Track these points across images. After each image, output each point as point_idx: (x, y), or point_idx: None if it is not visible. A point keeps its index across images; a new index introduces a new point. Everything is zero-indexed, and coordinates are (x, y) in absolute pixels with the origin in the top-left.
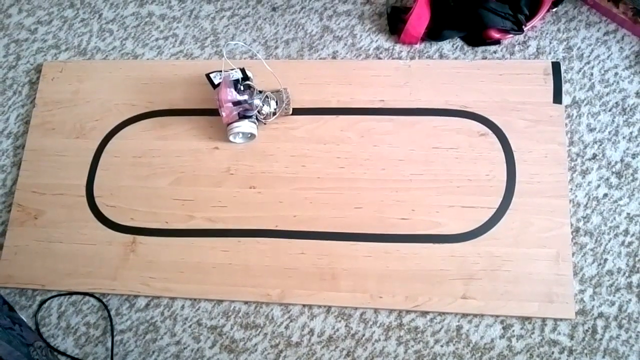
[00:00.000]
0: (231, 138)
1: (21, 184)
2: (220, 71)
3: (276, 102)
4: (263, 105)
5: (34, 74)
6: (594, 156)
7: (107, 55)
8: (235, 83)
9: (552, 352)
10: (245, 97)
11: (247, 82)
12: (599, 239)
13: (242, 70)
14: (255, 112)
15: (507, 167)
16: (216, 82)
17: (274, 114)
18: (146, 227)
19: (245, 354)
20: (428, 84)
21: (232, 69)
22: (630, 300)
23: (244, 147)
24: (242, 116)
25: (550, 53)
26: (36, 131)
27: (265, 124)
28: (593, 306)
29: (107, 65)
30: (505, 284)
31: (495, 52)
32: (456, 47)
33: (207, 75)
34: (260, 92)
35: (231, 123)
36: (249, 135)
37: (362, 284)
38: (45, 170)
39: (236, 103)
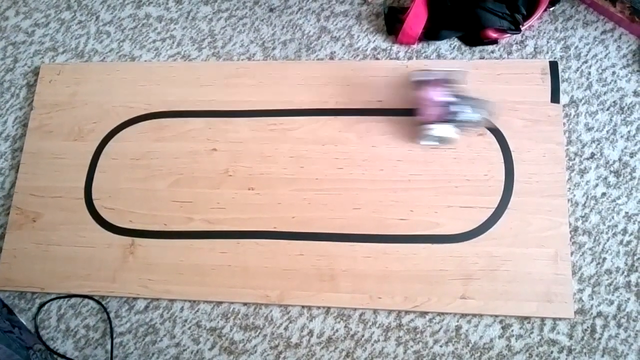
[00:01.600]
0: (421, 138)
1: (19, 187)
2: (427, 71)
3: (479, 111)
4: (466, 111)
5: (31, 77)
6: (592, 155)
7: (104, 58)
8: (442, 82)
9: (551, 352)
10: (454, 99)
11: (453, 85)
12: (597, 238)
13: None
14: (457, 116)
15: (505, 167)
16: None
17: (476, 123)
18: (145, 229)
19: (245, 355)
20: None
21: (439, 70)
22: (629, 299)
23: (242, 149)
24: (445, 120)
25: (547, 52)
26: (34, 134)
27: (462, 130)
28: (592, 305)
29: (105, 68)
30: (504, 283)
31: (492, 51)
32: (454, 47)
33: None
34: (467, 98)
35: (431, 124)
36: (447, 139)
37: (361, 285)
38: (44, 173)
39: (441, 104)
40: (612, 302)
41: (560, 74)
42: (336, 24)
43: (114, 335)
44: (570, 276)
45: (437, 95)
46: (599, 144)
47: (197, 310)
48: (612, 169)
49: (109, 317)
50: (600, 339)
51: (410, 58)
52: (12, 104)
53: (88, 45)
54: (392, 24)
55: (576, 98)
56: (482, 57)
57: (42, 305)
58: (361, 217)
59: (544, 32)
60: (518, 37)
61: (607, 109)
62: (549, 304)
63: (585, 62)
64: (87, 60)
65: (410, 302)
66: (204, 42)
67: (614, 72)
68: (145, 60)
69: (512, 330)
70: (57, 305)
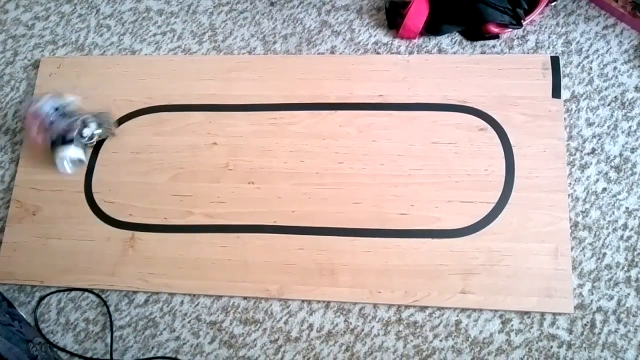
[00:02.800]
0: (60, 166)
1: (19, 180)
2: (35, 99)
3: (98, 124)
4: (83, 128)
5: (31, 70)
6: (593, 150)
7: (104, 51)
8: (48, 108)
9: (551, 347)
10: (61, 120)
11: (66, 108)
12: (597, 233)
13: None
14: (75, 135)
15: (506, 162)
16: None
17: (93, 136)
18: (145, 223)
19: (245, 349)
20: (427, 78)
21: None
22: (629, 294)
23: (242, 143)
24: (65, 141)
25: (549, 47)
26: None
27: (89, 146)
28: (592, 300)
29: (105, 61)
30: (504, 278)
31: (494, 46)
32: (455, 42)
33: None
34: (79, 116)
35: (55, 148)
36: (78, 161)
37: (361, 279)
38: (44, 167)
39: (46, 128)
40: (612, 297)
41: (562, 69)
42: (337, 18)
43: (114, 329)
44: (570, 271)
45: (45, 120)
46: (599, 139)
47: (197, 304)
48: (612, 164)
49: (108, 311)
50: (600, 334)
51: (411, 52)
52: (12, 97)
53: (88, 38)
54: (393, 18)
55: (577, 93)
56: (483, 52)
57: (41, 298)
58: (361, 211)
59: (546, 27)
60: (519, 31)
61: (608, 104)
62: (549, 299)
63: (587, 57)
64: (88, 54)
65: (410, 297)
66: (204, 36)
67: (615, 68)
68: (146, 54)
69: (512, 325)
70: (57, 299)
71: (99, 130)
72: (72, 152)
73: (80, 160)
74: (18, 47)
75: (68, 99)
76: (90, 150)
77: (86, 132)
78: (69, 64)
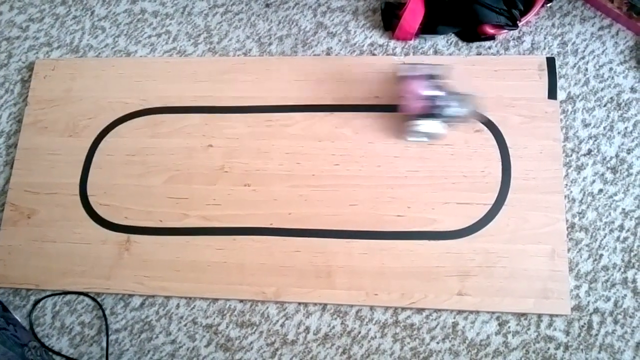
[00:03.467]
0: (410, 134)
1: (14, 183)
2: (413, 65)
3: (463, 103)
4: (447, 105)
5: (26, 72)
6: (589, 152)
7: (99, 53)
8: (428, 77)
9: (548, 348)
10: (439, 93)
11: (439, 80)
12: (594, 234)
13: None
14: (442, 111)
15: (502, 163)
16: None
17: (461, 117)
18: (140, 225)
19: (241, 352)
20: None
21: (424, 65)
22: (625, 295)
23: (238, 145)
24: (431, 114)
25: (545, 48)
26: (29, 130)
27: (449, 124)
28: (589, 302)
29: (100, 63)
30: (500, 280)
31: (489, 47)
32: (451, 43)
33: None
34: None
35: (418, 119)
36: (429, 136)
37: (357, 282)
38: (38, 169)
39: (426, 98)
40: (608, 299)
41: (558, 70)
42: (333, 20)
43: (110, 332)
44: (567, 273)
45: (422, 89)
46: (596, 141)
47: (193, 307)
48: (609, 165)
49: (104, 314)
50: (597, 335)
51: (407, 54)
52: (7, 99)
53: (83, 40)
54: (389, 19)
55: (573, 94)
56: (479, 53)
57: (37, 302)
58: (358, 213)
59: (541, 28)
60: (515, 33)
61: (604, 105)
62: (546, 301)
63: (583, 58)
64: (82, 56)
65: (407, 299)
66: (199, 38)
67: (611, 69)
68: (141, 56)
69: (509, 327)
70: (52, 302)
71: (462, 110)
72: (432, 126)
73: (434, 135)
74: (12, 49)
75: (442, 70)
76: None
77: (453, 110)
78: (63, 66)
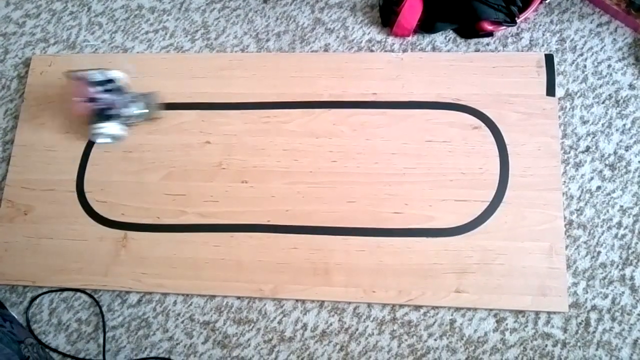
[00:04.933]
0: (93, 138)
1: (10, 180)
2: (83, 70)
3: (146, 104)
4: (126, 106)
5: (22, 68)
6: (587, 149)
7: (96, 49)
8: (96, 83)
9: (546, 345)
10: (105, 96)
11: (112, 84)
12: (592, 231)
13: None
14: (118, 112)
15: (500, 160)
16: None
17: (139, 117)
18: (137, 222)
19: (239, 349)
20: (421, 76)
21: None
22: (623, 292)
23: (235, 142)
24: (107, 116)
25: (543, 45)
26: (25, 126)
27: (129, 126)
28: (586, 299)
29: (97, 59)
30: (498, 277)
31: (488, 44)
32: (449, 40)
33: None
34: (127, 94)
35: (94, 121)
36: (112, 137)
37: (355, 279)
38: (35, 166)
39: (91, 100)
40: (606, 296)
41: (556, 66)
42: (330, 16)
43: (107, 329)
44: (564, 270)
45: (91, 93)
46: (594, 137)
47: (190, 304)
48: (607, 162)
49: (101, 311)
50: (594, 332)
51: (405, 50)
52: (3, 95)
53: (80, 36)
54: (387, 15)
55: (572, 91)
56: (477, 50)
57: (33, 299)
58: (355, 210)
59: (540, 25)
60: (513, 29)
61: (603, 102)
62: (544, 298)
63: (581, 54)
64: (79, 52)
65: (405, 296)
66: (197, 34)
67: (609, 65)
68: (138, 52)
69: (507, 324)
70: (49, 299)
71: (145, 111)
72: (112, 128)
73: (118, 137)
74: (9, 45)
75: (117, 74)
76: (129, 130)
77: (131, 110)
78: (60, 62)
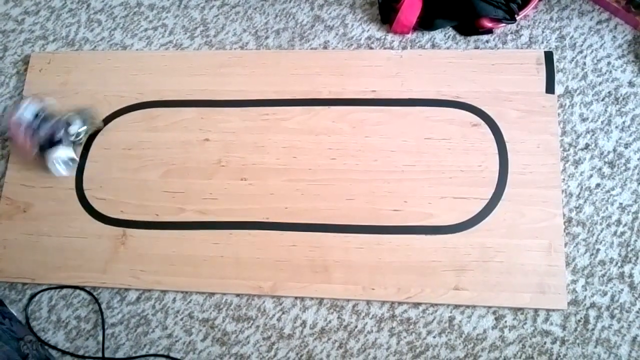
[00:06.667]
0: (54, 170)
1: (10, 177)
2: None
3: (83, 120)
4: (68, 127)
5: (21, 66)
6: (587, 146)
7: (95, 46)
8: (28, 120)
9: (545, 343)
10: (44, 125)
11: (44, 113)
12: (591, 229)
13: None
14: (61, 135)
15: (499, 158)
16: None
17: (80, 134)
18: (136, 219)
19: (238, 346)
20: (420, 74)
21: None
22: (622, 290)
23: (234, 139)
24: (53, 143)
25: (542, 42)
26: None
27: (78, 144)
28: (585, 296)
29: (96, 56)
30: (497, 275)
31: (487, 41)
32: (448, 37)
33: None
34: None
35: (45, 153)
36: (70, 161)
37: (354, 276)
38: (34, 163)
39: (33, 135)
40: (605, 293)
41: (555, 64)
42: (330, 13)
43: (106, 327)
44: (563, 267)
45: (30, 129)
46: (593, 135)
47: (190, 302)
48: (606, 159)
49: (100, 308)
50: (593, 329)
51: (404, 47)
52: (2, 93)
53: (79, 33)
54: (386, 13)
55: (571, 88)
56: (476, 47)
57: (32, 296)
58: (354, 207)
59: (539, 22)
60: (513, 26)
61: (602, 100)
62: (543, 295)
63: (581, 52)
64: (78, 49)
65: (404, 293)
66: (196, 31)
67: (609, 63)
68: (137, 49)
69: (506, 321)
70: (48, 296)
71: (85, 127)
72: (62, 153)
73: (72, 160)
74: (8, 42)
75: (46, 102)
76: (80, 148)
77: (72, 129)
78: (59, 60)
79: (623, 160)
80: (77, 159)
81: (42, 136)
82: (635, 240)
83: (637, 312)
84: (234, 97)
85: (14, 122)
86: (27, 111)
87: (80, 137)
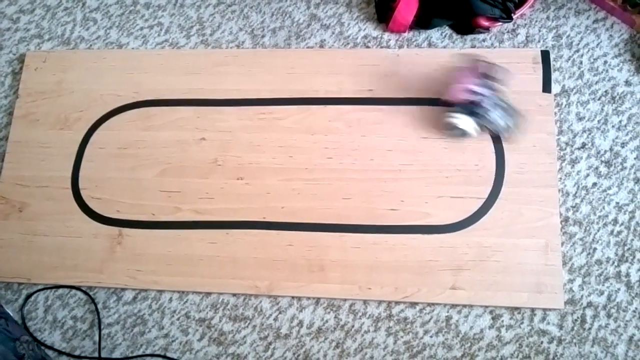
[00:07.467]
0: (445, 124)
1: (5, 177)
2: (472, 57)
3: (508, 117)
4: (491, 110)
5: (16, 64)
6: (583, 145)
7: (91, 45)
8: (483, 75)
9: (542, 342)
10: (481, 90)
11: (494, 82)
12: (588, 228)
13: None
14: (483, 112)
15: (496, 157)
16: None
17: (501, 129)
18: (132, 219)
19: (234, 346)
20: (417, 73)
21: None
22: (619, 289)
23: (231, 138)
24: (470, 111)
25: (539, 41)
26: (20, 122)
27: (483, 129)
28: (582, 296)
29: (92, 55)
30: (494, 274)
31: (484, 40)
32: (445, 36)
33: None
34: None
35: (456, 112)
36: (462, 132)
37: (351, 276)
38: (30, 162)
39: (472, 93)
40: (602, 293)
41: (552, 63)
42: (326, 12)
43: (102, 327)
44: (560, 267)
45: (472, 83)
46: (590, 134)
47: (186, 301)
48: (603, 159)
49: (96, 308)
50: (590, 329)
51: (401, 46)
52: None
53: (74, 32)
54: (383, 11)
55: (568, 87)
56: (473, 46)
57: (28, 296)
58: (351, 207)
59: (536, 21)
60: (510, 25)
61: (599, 99)
62: (539, 295)
63: (577, 51)
64: (74, 48)
65: (400, 293)
66: (192, 30)
67: (605, 62)
68: (133, 48)
69: (502, 321)
70: (44, 296)
71: (505, 125)
72: (465, 123)
73: (466, 134)
74: (3, 41)
75: (499, 73)
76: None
77: (492, 115)
78: (55, 58)
79: (619, 159)
80: (470, 136)
81: (473, 96)
82: (632, 240)
83: (634, 311)
84: (230, 96)
85: (472, 70)
86: (485, 66)
87: (495, 128)
